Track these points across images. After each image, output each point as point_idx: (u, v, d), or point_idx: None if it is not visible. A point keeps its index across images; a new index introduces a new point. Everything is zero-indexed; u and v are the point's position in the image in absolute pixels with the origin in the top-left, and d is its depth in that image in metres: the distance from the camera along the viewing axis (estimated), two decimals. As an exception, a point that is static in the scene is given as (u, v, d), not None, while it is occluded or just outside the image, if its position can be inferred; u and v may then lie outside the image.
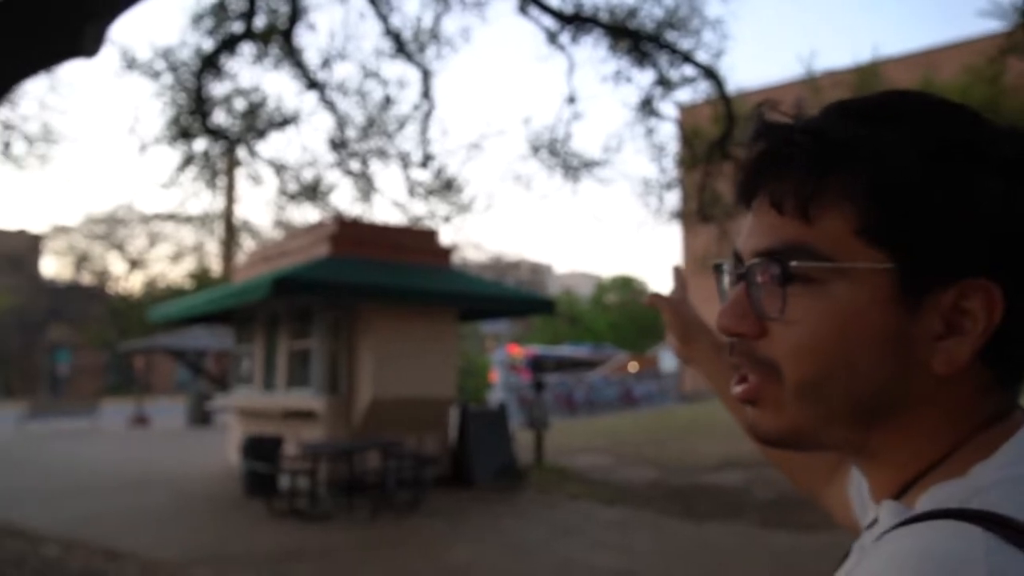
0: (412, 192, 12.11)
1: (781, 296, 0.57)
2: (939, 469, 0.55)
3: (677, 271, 1.14)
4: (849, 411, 0.58)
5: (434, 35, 10.81)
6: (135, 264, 40.38)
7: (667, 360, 29.33)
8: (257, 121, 12.29)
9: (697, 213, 11.95)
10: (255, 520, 7.94)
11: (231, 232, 34.93)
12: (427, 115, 11.24)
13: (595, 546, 6.79)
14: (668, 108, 27.96)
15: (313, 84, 11.01)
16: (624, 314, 46.60)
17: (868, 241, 0.55)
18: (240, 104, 11.92)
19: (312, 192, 12.78)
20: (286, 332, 10.57)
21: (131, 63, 10.23)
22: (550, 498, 9.15)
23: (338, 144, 11.70)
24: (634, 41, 9.83)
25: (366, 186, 12.26)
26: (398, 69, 23.18)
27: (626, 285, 49.38)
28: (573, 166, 11.58)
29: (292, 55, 10.46)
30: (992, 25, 11.43)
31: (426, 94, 11.01)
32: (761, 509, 8.15)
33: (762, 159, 0.60)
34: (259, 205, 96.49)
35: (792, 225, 0.58)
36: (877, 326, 0.55)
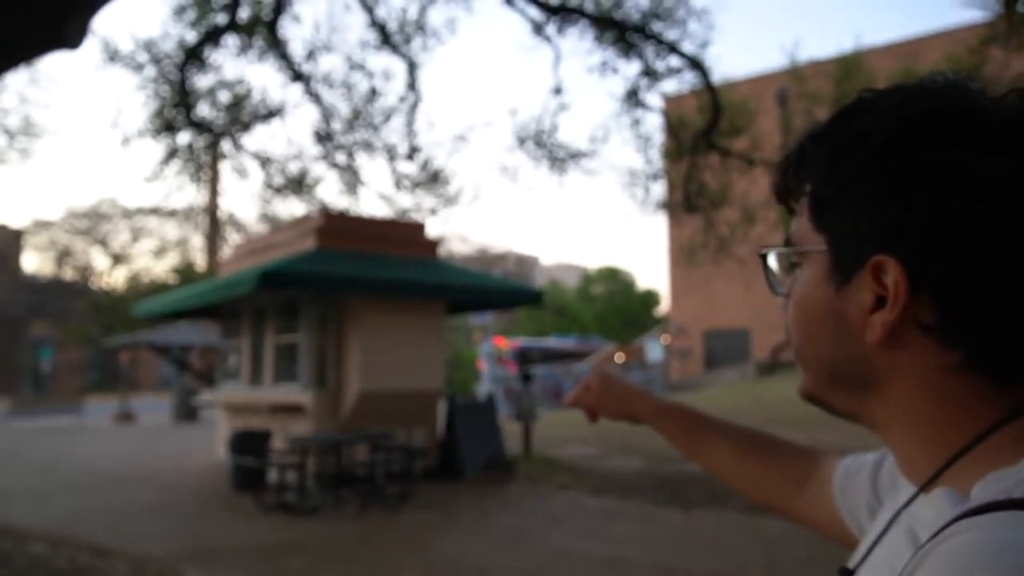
0: (398, 185, 12.10)
1: (786, 276, 0.69)
2: (974, 454, 0.56)
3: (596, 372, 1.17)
4: (829, 378, 0.64)
5: (420, 26, 10.78)
6: (118, 259, 40.09)
7: (653, 350, 29.47)
8: (242, 114, 12.22)
9: (683, 204, 11.99)
10: (243, 515, 7.92)
11: (215, 226, 34.72)
12: (413, 107, 11.22)
13: (585, 535, 6.83)
14: (654, 99, 28.02)
15: (298, 76, 10.96)
16: (610, 305, 46.77)
17: (815, 229, 0.63)
18: (224, 97, 11.84)
19: (298, 185, 12.73)
20: (273, 326, 10.54)
21: (113, 55, 10.14)
22: (539, 489, 9.19)
23: (324, 137, 11.66)
24: (620, 32, 9.84)
25: (352, 179, 12.23)
26: (384, 61, 23.22)
27: (612, 276, 49.52)
28: (559, 157, 11.60)
29: (277, 47, 10.40)
30: (974, 15, 11.52)
31: (412, 86, 10.99)
32: (748, 497, 8.23)
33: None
34: (244, 198, 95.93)
35: (794, 220, 0.68)
36: (820, 300, 0.63)
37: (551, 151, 11.51)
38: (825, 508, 0.88)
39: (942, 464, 0.57)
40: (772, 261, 0.70)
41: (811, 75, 16.27)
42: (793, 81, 16.83)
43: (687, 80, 10.89)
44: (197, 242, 39.67)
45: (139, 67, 10.33)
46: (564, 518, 7.56)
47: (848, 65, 16.01)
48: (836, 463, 0.89)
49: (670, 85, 11.60)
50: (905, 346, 0.58)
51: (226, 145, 12.57)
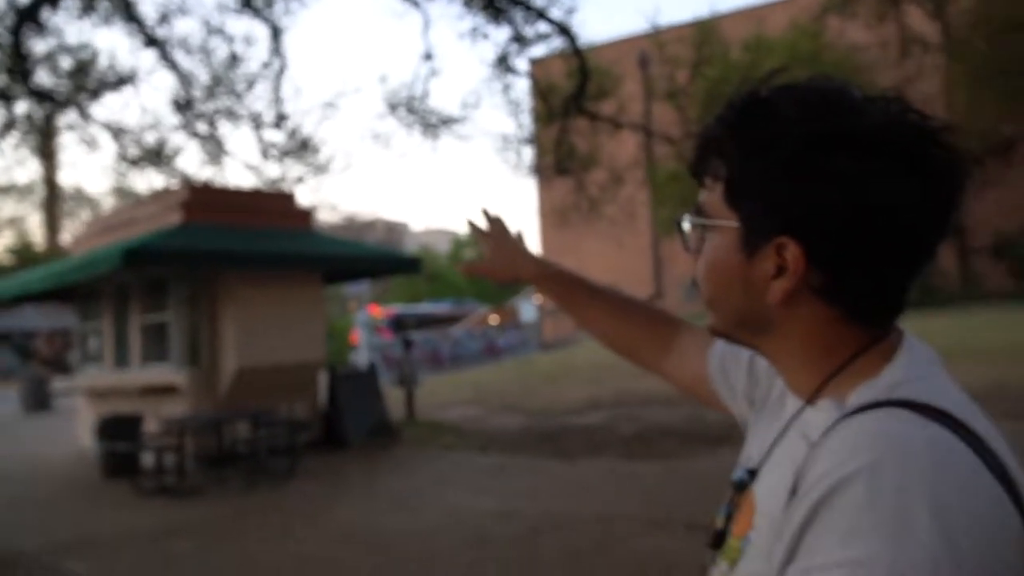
0: (266, 154, 11.71)
1: (698, 238, 0.83)
2: (844, 375, 0.74)
3: (485, 212, 1.34)
4: (736, 322, 0.82)
5: (281, -12, 10.39)
6: (-55, 240, 36.44)
7: (527, 311, 30.08)
8: (87, 81, 11.43)
9: (554, 167, 12.28)
10: (120, 501, 7.63)
11: (56, 202, 32.21)
12: (279, 73, 10.88)
13: (475, 492, 7.05)
14: (523, 64, 28.18)
15: (152, 41, 10.33)
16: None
17: (728, 206, 0.77)
18: (66, 62, 11.02)
19: (156, 156, 12.09)
20: (138, 305, 10.04)
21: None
22: (426, 451, 9.34)
23: (183, 105, 11.09)
24: (488, -3, 9.88)
25: (215, 149, 11.74)
26: (245, 25, 22.09)
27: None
28: (431, 123, 11.57)
29: (125, 9, 9.75)
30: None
31: (276, 51, 10.62)
32: (626, 443, 8.71)
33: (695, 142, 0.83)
34: (95, 172, 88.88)
35: (704, 192, 0.83)
36: (731, 266, 0.78)
37: (423, 117, 11.46)
38: (694, 374, 1.09)
39: (822, 381, 0.76)
40: (686, 225, 0.84)
41: (671, 40, 16.91)
42: (654, 46, 17.43)
43: (555, 45, 11.09)
44: (36, 220, 36.65)
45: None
46: (453, 477, 7.76)
47: (705, 30, 16.75)
48: (703, 338, 1.09)
49: (539, 50, 11.78)
50: (798, 303, 0.75)
51: (72, 115, 11.73)
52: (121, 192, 15.82)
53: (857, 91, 0.74)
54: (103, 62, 11.25)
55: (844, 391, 0.73)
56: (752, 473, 0.82)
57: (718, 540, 0.82)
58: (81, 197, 33.15)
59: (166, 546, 5.87)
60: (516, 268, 1.27)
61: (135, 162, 12.53)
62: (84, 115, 11.56)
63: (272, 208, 10.50)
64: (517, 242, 1.30)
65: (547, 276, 1.26)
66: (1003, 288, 20.87)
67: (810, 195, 0.70)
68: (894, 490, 0.58)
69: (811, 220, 0.71)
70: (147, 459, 8.52)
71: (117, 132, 11.87)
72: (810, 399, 0.77)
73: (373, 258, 11.53)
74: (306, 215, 10.91)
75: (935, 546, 0.56)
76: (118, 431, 8.71)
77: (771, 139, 0.73)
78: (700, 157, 0.82)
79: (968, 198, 0.72)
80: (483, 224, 1.31)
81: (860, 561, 0.57)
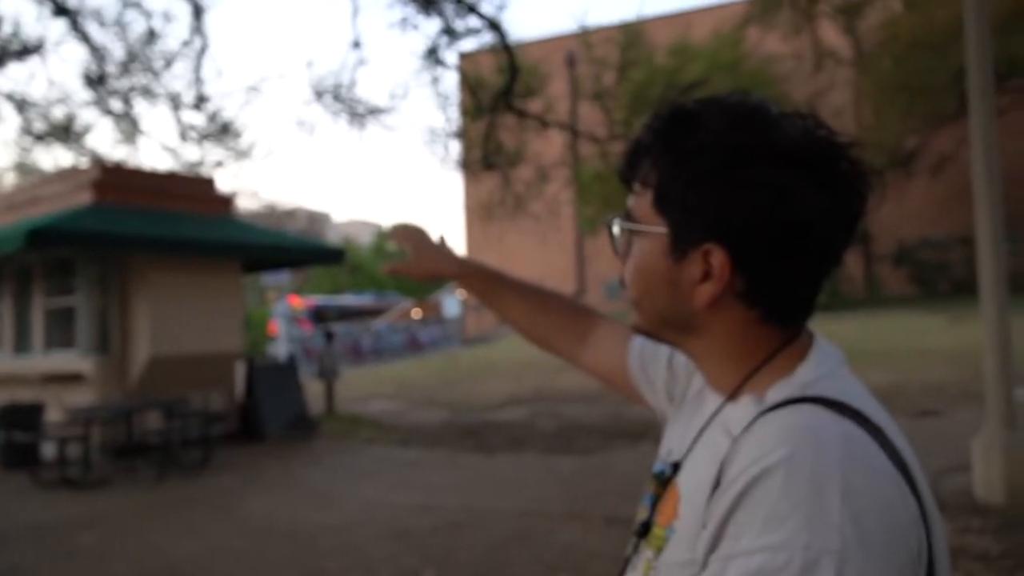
0: (184, 136, 11.33)
1: (626, 241, 0.86)
2: (761, 373, 0.79)
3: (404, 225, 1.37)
4: (661, 322, 0.85)
5: (204, -35, 10.04)
6: None
7: (450, 305, 30.03)
8: (-11, 49, 10.79)
9: (481, 162, 12.29)
10: (19, 493, 7.27)
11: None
12: (200, 53, 10.50)
13: (394, 485, 7.02)
14: (452, 57, 28.04)
15: (62, 10, 9.83)
16: (406, 261, 46.66)
17: (657, 212, 0.80)
18: (-36, 28, 10.39)
19: (64, 132, 11.53)
20: (41, 288, 9.56)
21: None
22: (345, 445, 9.23)
23: (95, 80, 10.59)
24: (419, -12, 9.79)
25: (130, 128, 11.28)
26: (164, 1, 21.16)
27: (407, 233, 49.40)
28: (358, 112, 11.40)
29: (34, -24, 9.25)
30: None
31: (198, 30, 10.26)
32: (545, 439, 8.82)
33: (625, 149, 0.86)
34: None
35: (632, 197, 0.85)
36: (659, 270, 0.81)
37: (350, 106, 11.28)
38: (612, 367, 1.13)
39: (742, 379, 0.81)
40: (615, 229, 0.88)
41: (598, 42, 17.13)
42: (581, 46, 17.63)
43: (485, 40, 11.08)
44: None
45: None
46: (372, 471, 7.69)
47: (631, 34, 17.03)
48: (621, 332, 1.14)
49: (469, 44, 11.75)
50: (721, 306, 0.79)
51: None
52: (23, 168, 14.99)
53: (775, 107, 0.79)
54: (6, 29, 10.64)
55: (762, 388, 0.78)
56: (675, 466, 0.86)
57: (644, 529, 0.86)
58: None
59: (69, 539, 5.62)
60: (437, 266, 1.31)
61: (40, 137, 11.92)
62: (-15, 86, 10.92)
63: (190, 192, 10.16)
64: (438, 243, 1.34)
65: (468, 273, 1.29)
66: (903, 293, 22.02)
67: (735, 204, 0.74)
68: (809, 479, 0.64)
69: (736, 227, 0.75)
70: (48, 450, 8.14)
71: (21, 104, 11.27)
72: (730, 396, 0.82)
73: (295, 248, 11.31)
74: (226, 201, 10.60)
75: (845, 528, 0.61)
76: (16, 420, 8.29)
77: (698, 149, 0.76)
78: (630, 163, 0.85)
79: (871, 208, 0.79)
80: (404, 231, 1.35)
81: (778, 545, 0.62)
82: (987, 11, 5.39)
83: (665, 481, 0.87)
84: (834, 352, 0.82)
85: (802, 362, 0.78)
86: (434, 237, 1.35)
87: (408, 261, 1.32)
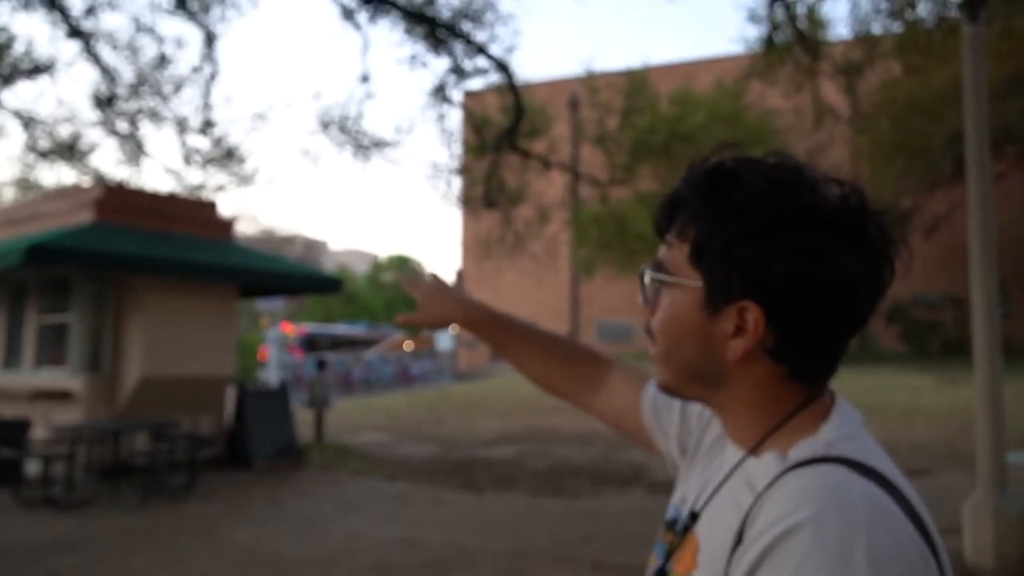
0: (188, 159, 11.40)
1: (655, 291, 0.87)
2: (784, 429, 0.81)
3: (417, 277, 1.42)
4: (688, 375, 0.86)
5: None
6: None
7: (443, 340, 29.97)
8: (0, 65, 10.91)
9: (482, 199, 12.39)
10: (1, 511, 7.17)
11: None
12: (209, 79, 10.63)
13: (380, 519, 6.95)
14: (458, 95, 28.39)
15: (75, 32, 9.97)
16: (400, 293, 46.72)
17: (692, 266, 0.82)
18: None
19: (68, 151, 11.60)
20: (35, 305, 9.54)
21: None
22: (332, 475, 9.15)
23: (103, 101, 10.70)
24: (430, 27, 9.97)
25: (135, 149, 11.35)
26: (177, 27, 21.44)
27: (403, 264, 49.56)
28: (363, 145, 11.52)
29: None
30: (740, 49, 13.01)
31: (209, 57, 10.40)
32: (535, 479, 8.76)
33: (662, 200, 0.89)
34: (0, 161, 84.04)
35: (664, 248, 0.87)
36: (691, 323, 0.83)
37: (355, 138, 11.40)
38: (625, 414, 1.15)
39: (764, 434, 0.83)
40: (646, 279, 0.89)
41: (602, 86, 17.40)
42: (585, 90, 17.90)
43: (492, 80, 11.25)
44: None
45: None
46: (359, 503, 7.62)
47: (635, 80, 17.31)
48: (633, 377, 1.16)
49: (476, 84, 11.93)
50: (749, 361, 0.81)
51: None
52: (25, 184, 15.03)
53: (811, 171, 0.82)
54: (19, 48, 10.77)
55: (784, 444, 0.80)
56: (693, 515, 0.87)
57: None
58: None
59: (49, 561, 5.54)
60: (447, 314, 1.33)
61: (45, 154, 11.99)
62: (-6, 100, 11.02)
63: (191, 215, 10.21)
64: (449, 289, 1.36)
65: (477, 320, 1.30)
66: (895, 351, 22.11)
67: (773, 264, 0.77)
68: (836, 539, 0.66)
69: (772, 286, 0.77)
70: (32, 467, 8.05)
71: (28, 121, 11.35)
72: (752, 449, 0.83)
73: (292, 275, 11.33)
74: (227, 225, 10.64)
75: None
76: (1, 436, 8.20)
77: (739, 209, 0.79)
78: (666, 216, 0.87)
79: (898, 271, 0.82)
80: (414, 281, 1.39)
81: None
82: (985, 78, 5.52)
83: (681, 530, 0.88)
84: (855, 413, 0.84)
85: (825, 421, 0.80)
86: (443, 283, 1.38)
87: (419, 311, 1.34)
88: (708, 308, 0.81)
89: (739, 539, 0.74)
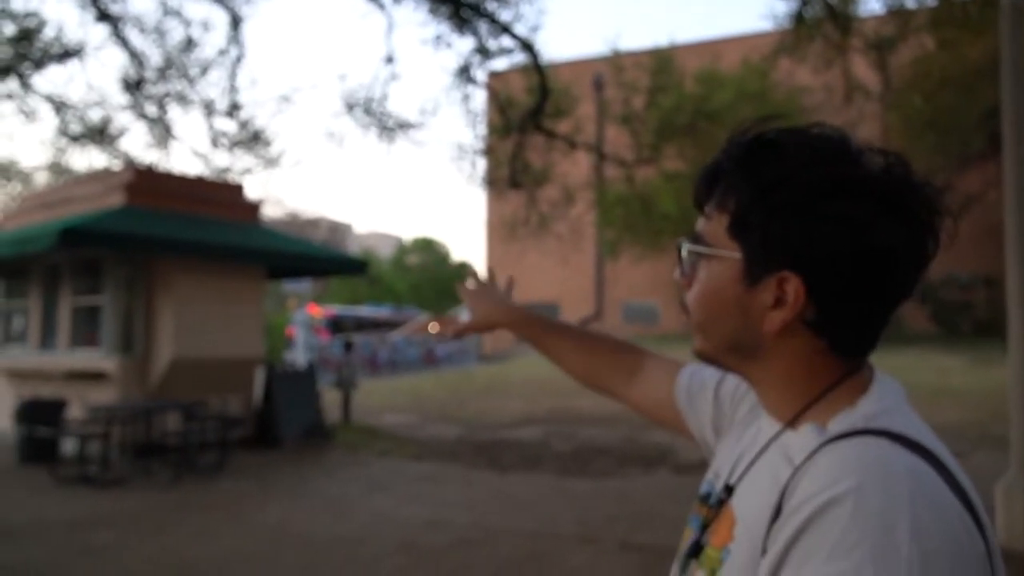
0: (216, 142, 11.49)
1: (693, 264, 0.87)
2: (822, 403, 0.80)
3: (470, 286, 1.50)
4: (726, 347, 0.85)
5: (245, -23, 10.23)
6: None
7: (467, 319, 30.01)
8: (31, 50, 11.04)
9: (507, 180, 12.36)
10: (38, 489, 7.35)
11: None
12: (235, 62, 10.69)
13: (406, 499, 7.03)
14: (483, 75, 28.28)
15: (104, 16, 10.05)
16: (425, 275, 46.90)
17: (731, 237, 0.81)
18: (9, 29, 10.65)
19: (99, 135, 11.73)
20: (69, 287, 9.71)
21: None
22: (359, 456, 9.26)
23: (132, 84, 10.80)
24: (455, 7, 9.92)
25: (163, 132, 11.46)
26: (204, 10, 21.58)
27: (428, 247, 49.65)
28: (388, 126, 11.53)
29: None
30: (767, 26, 12.79)
31: (235, 39, 10.44)
32: (560, 460, 8.80)
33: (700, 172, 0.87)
34: (31, 145, 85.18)
35: (703, 220, 0.86)
36: (730, 294, 0.82)
37: (380, 119, 11.41)
38: (660, 401, 1.16)
39: (803, 407, 0.82)
40: (683, 252, 0.87)
41: (628, 65, 17.22)
42: (611, 69, 17.72)
43: (516, 60, 11.18)
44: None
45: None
46: (385, 483, 7.71)
47: (661, 59, 17.10)
48: (667, 365, 1.19)
49: (501, 64, 11.87)
50: (788, 333, 0.80)
51: (11, 84, 11.30)
52: (57, 168, 15.26)
53: (854, 142, 0.80)
54: (49, 32, 10.89)
55: (823, 418, 0.79)
56: (728, 488, 0.87)
57: (695, 549, 0.86)
58: (10, 170, 31.74)
59: (84, 537, 5.68)
60: (494, 319, 1.40)
61: (76, 139, 12.14)
62: (25, 85, 11.16)
63: (219, 198, 10.31)
64: (494, 292, 1.45)
65: (521, 322, 1.37)
66: (925, 332, 21.80)
67: (815, 235, 0.76)
68: (878, 511, 0.64)
69: (815, 258, 0.76)
70: (68, 446, 8.24)
71: (59, 106, 11.49)
72: (789, 423, 0.82)
73: (319, 257, 11.41)
74: (254, 208, 10.73)
75: (914, 564, 0.62)
76: (38, 415, 8.40)
77: (781, 179, 0.77)
78: (706, 187, 0.85)
79: (942, 243, 0.80)
80: (464, 287, 1.47)
81: (845, 573, 0.62)
82: (1023, 49, 5.38)
83: (716, 503, 0.88)
84: (896, 387, 0.82)
85: (864, 394, 0.79)
86: (489, 285, 1.47)
87: (470, 319, 1.42)
88: (747, 280, 0.80)
89: (777, 512, 0.73)
